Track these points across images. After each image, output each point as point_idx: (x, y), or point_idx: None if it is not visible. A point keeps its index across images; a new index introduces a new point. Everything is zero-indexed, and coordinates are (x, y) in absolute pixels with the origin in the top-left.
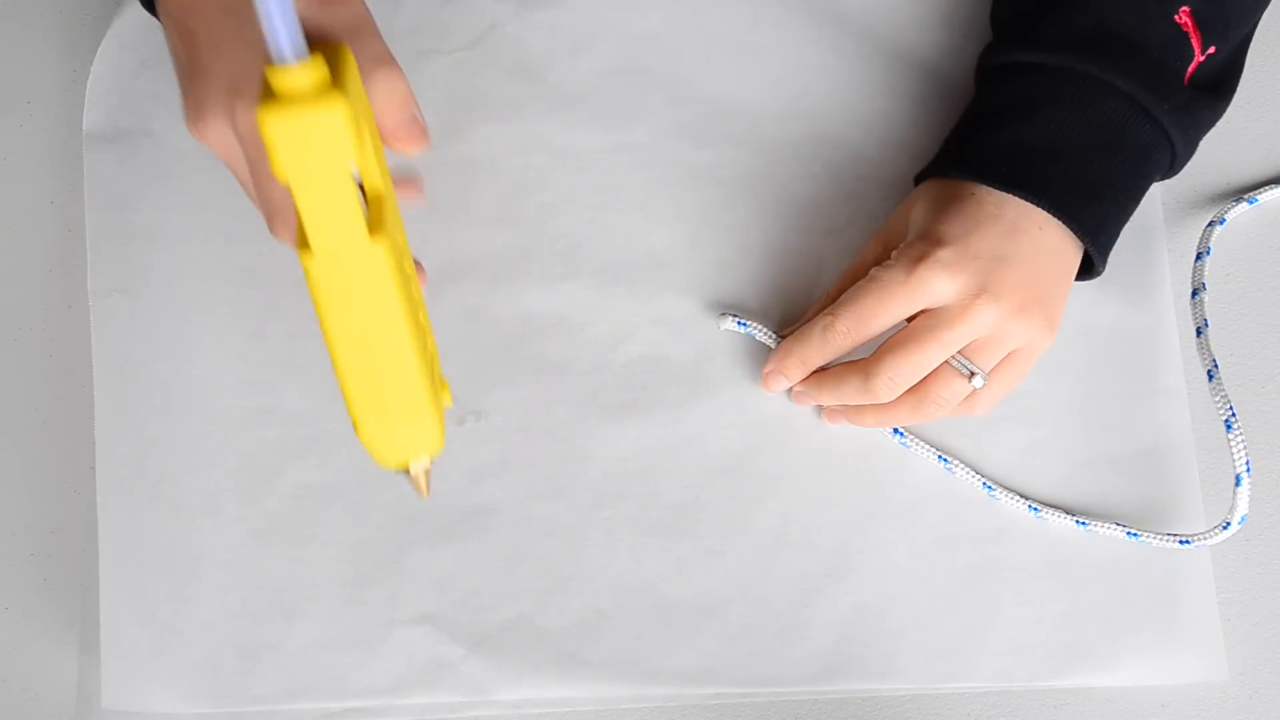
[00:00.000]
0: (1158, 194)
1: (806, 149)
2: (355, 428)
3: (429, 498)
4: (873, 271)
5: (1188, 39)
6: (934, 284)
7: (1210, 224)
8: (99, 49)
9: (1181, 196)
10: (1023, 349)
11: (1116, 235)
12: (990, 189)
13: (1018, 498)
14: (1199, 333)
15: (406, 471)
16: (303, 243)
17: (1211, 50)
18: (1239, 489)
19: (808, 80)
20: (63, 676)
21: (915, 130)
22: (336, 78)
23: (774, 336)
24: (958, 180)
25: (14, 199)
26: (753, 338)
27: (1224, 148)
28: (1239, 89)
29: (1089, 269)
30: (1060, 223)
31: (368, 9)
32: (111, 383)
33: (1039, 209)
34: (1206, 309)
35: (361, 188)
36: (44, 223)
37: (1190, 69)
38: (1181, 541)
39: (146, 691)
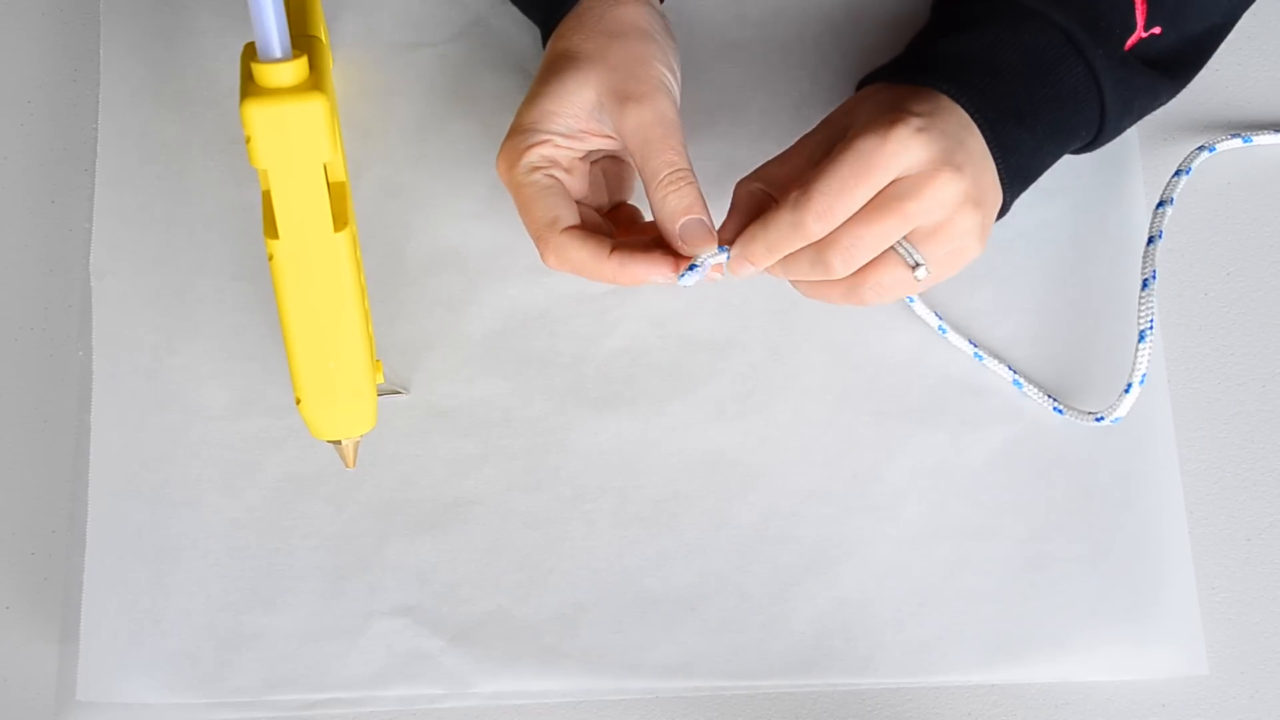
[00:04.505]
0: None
1: (789, 142)
2: (298, 402)
3: (354, 468)
4: (842, 145)
5: (1132, 7)
6: (910, 145)
7: (1200, 148)
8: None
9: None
10: (957, 250)
11: (1029, 171)
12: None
13: (966, 342)
14: (1150, 241)
15: (337, 443)
16: (270, 231)
17: (1156, 31)
18: (1126, 395)
19: (791, 75)
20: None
21: None
22: (315, 75)
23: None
24: (905, 85)
25: (14, 199)
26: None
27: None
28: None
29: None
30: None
31: (674, 107)
32: (106, 368)
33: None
34: (1166, 222)
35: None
36: (44, 223)
37: (1131, 40)
38: (1096, 419)
39: (123, 681)
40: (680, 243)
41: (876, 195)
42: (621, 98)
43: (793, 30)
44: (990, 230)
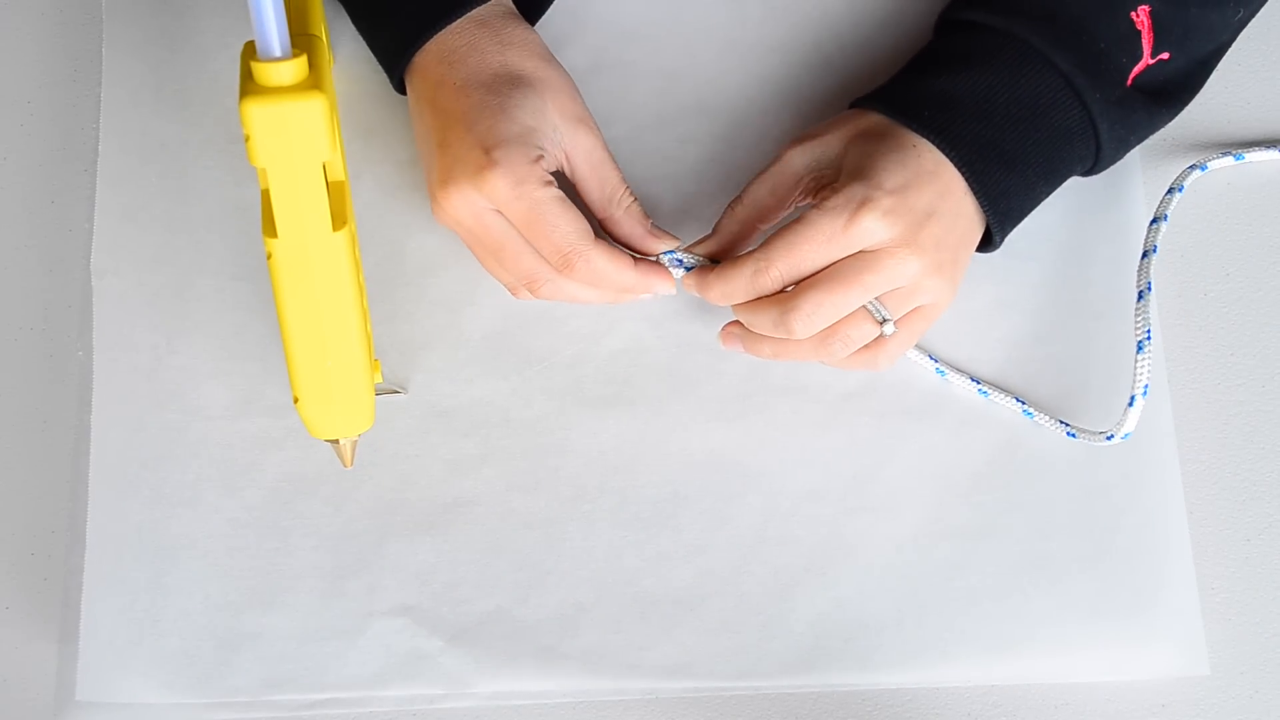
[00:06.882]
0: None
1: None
2: (295, 401)
3: (351, 467)
4: (809, 215)
5: (1139, 38)
6: (872, 230)
7: (1191, 166)
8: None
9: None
10: (927, 306)
11: (1020, 212)
12: (932, 145)
13: (968, 380)
14: (1145, 255)
15: (335, 442)
16: (269, 229)
17: (1164, 56)
18: (1130, 409)
19: (791, 77)
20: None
21: None
22: (315, 73)
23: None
24: (898, 126)
25: (14, 199)
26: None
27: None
28: (1253, 71)
29: (987, 241)
30: (974, 193)
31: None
32: (106, 368)
33: (964, 177)
34: (1160, 237)
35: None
36: (44, 223)
37: (1137, 69)
38: (1107, 437)
39: (123, 681)
40: (653, 241)
41: (839, 263)
42: (574, 120)
43: (793, 31)
44: (961, 279)
